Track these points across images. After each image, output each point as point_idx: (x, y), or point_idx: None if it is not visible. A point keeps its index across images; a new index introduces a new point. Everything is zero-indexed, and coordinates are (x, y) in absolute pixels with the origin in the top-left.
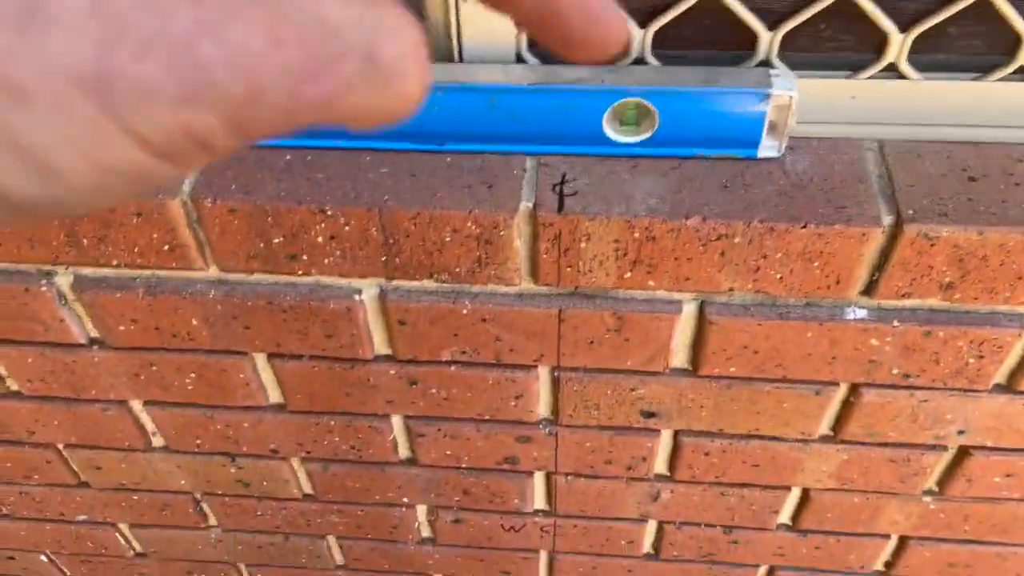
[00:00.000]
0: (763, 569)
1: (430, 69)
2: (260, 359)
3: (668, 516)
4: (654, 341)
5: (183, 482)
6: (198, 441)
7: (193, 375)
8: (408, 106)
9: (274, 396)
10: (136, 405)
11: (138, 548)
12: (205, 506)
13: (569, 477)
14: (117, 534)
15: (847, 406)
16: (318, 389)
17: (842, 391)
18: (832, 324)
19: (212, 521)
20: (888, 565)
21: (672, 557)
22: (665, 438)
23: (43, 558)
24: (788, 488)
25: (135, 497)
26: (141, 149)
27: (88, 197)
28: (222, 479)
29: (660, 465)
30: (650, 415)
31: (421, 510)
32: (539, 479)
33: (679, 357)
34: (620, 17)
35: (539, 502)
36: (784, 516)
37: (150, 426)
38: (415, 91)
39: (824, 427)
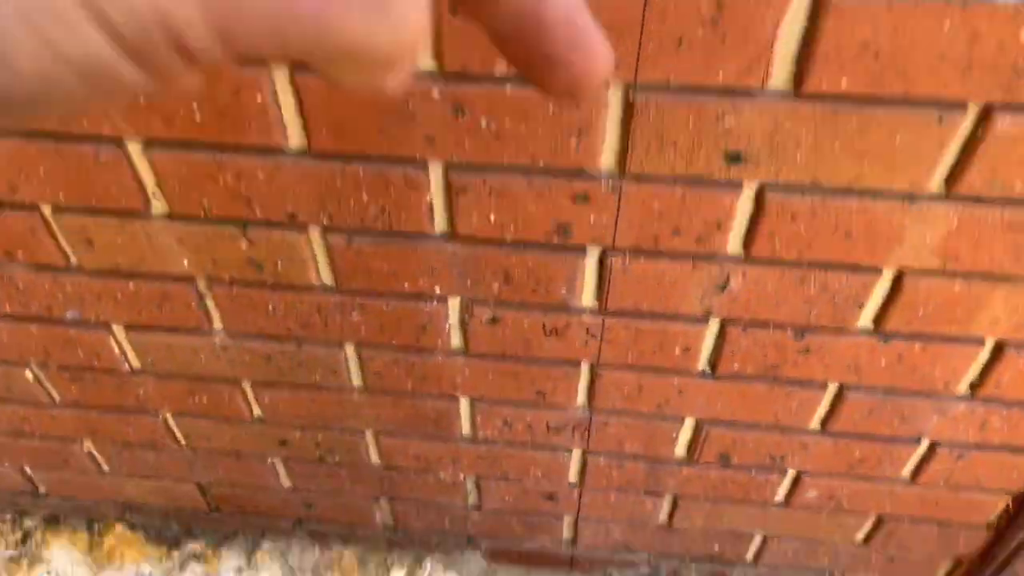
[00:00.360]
0: (832, 389)
1: (428, 28)
2: (280, 78)
3: (734, 312)
4: (756, 39)
5: (186, 263)
6: (204, 201)
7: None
8: (403, 50)
9: (295, 134)
10: (134, 148)
11: (133, 361)
12: (209, 302)
13: (628, 256)
14: (111, 339)
15: (973, 142)
16: (347, 120)
17: (970, 119)
18: (977, 6)
19: (216, 323)
20: (974, 387)
21: (730, 373)
22: (747, 195)
23: (28, 374)
24: (880, 271)
25: (131, 286)
26: (108, 39)
27: (34, 90)
28: (231, 258)
29: (735, 242)
30: (735, 158)
31: (453, 306)
32: (592, 260)
33: (781, 69)
34: (607, 49)
35: (588, 296)
36: (868, 315)
37: (150, 182)
38: (413, 34)
39: (938, 177)
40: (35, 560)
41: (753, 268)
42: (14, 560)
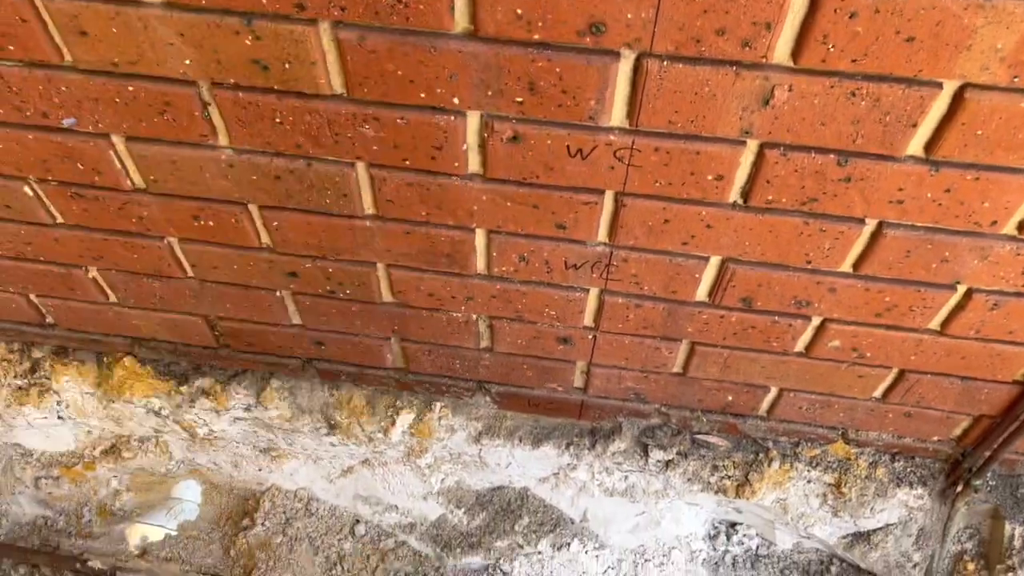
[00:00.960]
0: (870, 225)
1: None
2: None
3: (775, 134)
4: None
5: (187, 63)
6: None
7: None
8: None
9: None
10: None
11: (135, 178)
12: (213, 110)
13: (665, 62)
14: (111, 152)
15: None
16: None
17: None
18: None
19: (222, 136)
20: (1023, 225)
21: (764, 204)
22: None
23: (27, 189)
24: (940, 85)
25: (130, 89)
26: None
27: None
28: (235, 57)
29: (783, 47)
30: None
31: (472, 121)
32: (626, 66)
33: None
34: None
35: (618, 112)
36: (920, 139)
37: None
38: None
39: None
40: (44, 391)
41: (801, 79)
42: (23, 389)
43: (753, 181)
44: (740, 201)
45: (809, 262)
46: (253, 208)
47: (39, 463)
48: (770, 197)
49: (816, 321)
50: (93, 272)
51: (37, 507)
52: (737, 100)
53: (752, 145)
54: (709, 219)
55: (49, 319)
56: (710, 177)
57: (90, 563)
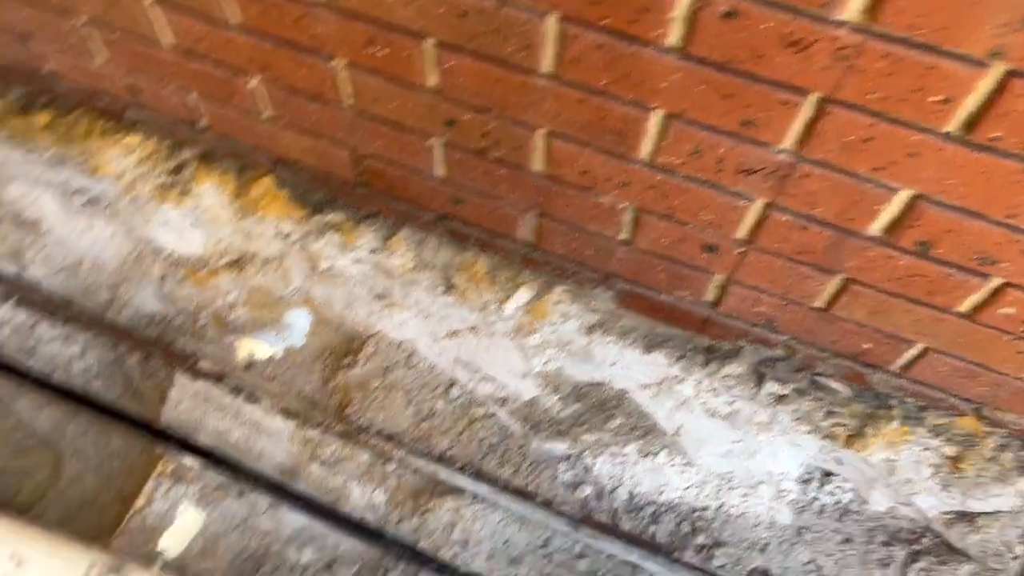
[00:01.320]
0: None
1: None
2: None
3: None
4: None
5: None
6: None
7: None
8: None
9: None
10: None
11: None
12: None
13: None
14: None
15: None
16: None
17: None
18: None
19: None
20: None
21: (986, 141)
22: None
23: None
24: None
25: None
26: None
27: None
28: None
29: None
30: None
31: None
32: None
33: None
34: None
35: (856, 6)
36: None
37: None
38: None
39: None
40: (185, 192)
41: None
42: (166, 187)
43: (984, 112)
44: (959, 133)
45: (1012, 216)
46: (429, 44)
47: (167, 261)
48: (997, 134)
49: (995, 283)
50: (255, 82)
51: (159, 303)
52: (998, 13)
53: (997, 70)
54: (916, 146)
55: (202, 123)
56: (934, 99)
57: (200, 364)
